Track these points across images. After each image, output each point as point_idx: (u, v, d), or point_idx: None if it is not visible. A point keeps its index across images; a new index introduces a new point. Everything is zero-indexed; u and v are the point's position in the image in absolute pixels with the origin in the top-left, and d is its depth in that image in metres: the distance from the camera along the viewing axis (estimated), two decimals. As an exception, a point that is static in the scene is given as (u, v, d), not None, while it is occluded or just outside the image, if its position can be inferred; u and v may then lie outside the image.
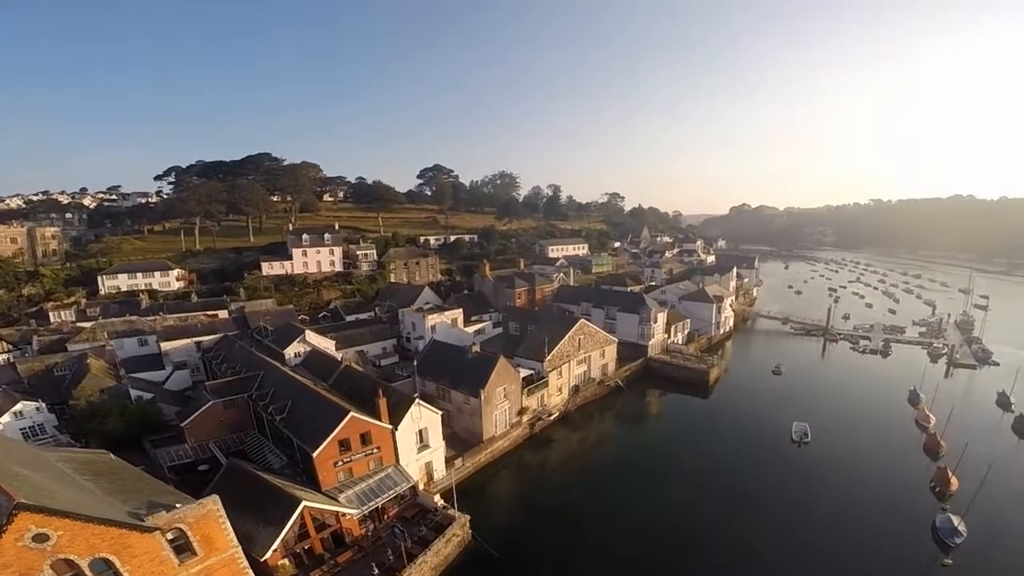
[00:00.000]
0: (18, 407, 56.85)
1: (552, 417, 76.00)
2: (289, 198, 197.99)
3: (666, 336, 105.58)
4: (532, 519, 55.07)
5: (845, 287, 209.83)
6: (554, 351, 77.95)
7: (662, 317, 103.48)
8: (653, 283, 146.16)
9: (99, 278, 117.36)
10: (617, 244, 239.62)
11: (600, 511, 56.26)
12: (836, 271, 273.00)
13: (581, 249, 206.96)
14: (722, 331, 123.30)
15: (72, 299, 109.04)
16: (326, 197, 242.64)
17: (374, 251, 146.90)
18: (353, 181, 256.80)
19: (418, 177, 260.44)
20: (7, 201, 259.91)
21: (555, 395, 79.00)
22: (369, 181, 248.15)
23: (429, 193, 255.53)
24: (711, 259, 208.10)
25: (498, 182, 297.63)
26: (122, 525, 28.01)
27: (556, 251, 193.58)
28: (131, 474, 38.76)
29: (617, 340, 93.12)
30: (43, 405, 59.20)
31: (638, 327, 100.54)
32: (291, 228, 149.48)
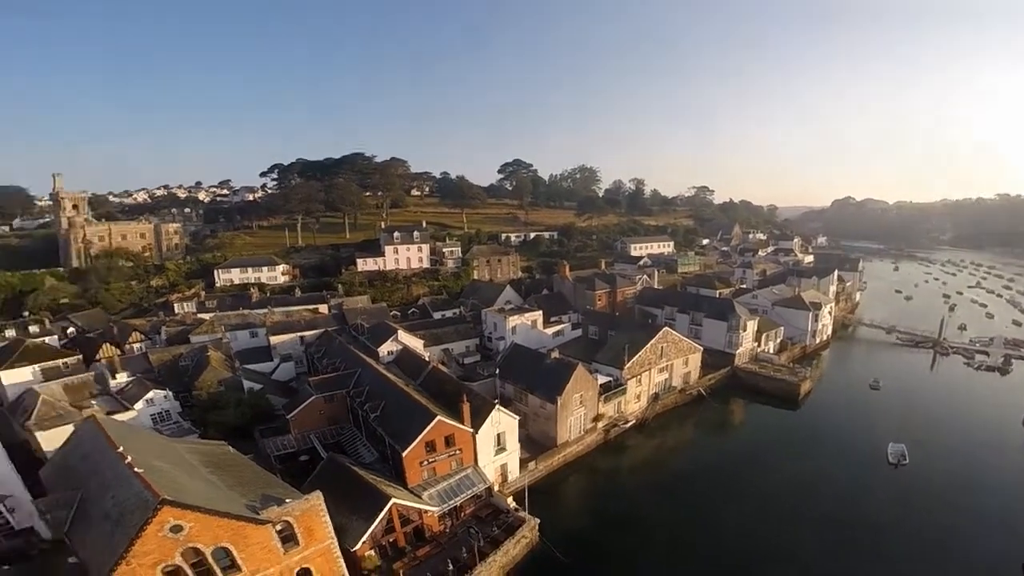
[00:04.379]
0: (150, 395, 64.25)
1: (628, 424, 75.73)
2: (380, 194, 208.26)
3: (756, 344, 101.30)
4: (600, 524, 55.93)
5: (962, 293, 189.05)
6: (635, 359, 77.27)
7: (752, 324, 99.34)
8: (744, 286, 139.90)
9: (215, 271, 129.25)
10: (705, 242, 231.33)
11: (670, 521, 56.10)
12: (953, 274, 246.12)
13: (666, 247, 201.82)
14: (818, 340, 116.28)
15: (193, 291, 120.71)
16: (413, 192, 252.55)
17: (459, 248, 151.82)
18: (438, 176, 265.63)
19: (499, 172, 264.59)
20: (135, 196, 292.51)
21: (633, 402, 78.59)
22: (453, 176, 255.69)
23: (509, 188, 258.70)
24: (809, 259, 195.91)
25: (578, 176, 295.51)
26: (242, 518, 31.96)
27: (639, 249, 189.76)
28: (245, 466, 43.55)
29: (703, 348, 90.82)
30: (170, 393, 66.36)
31: (726, 335, 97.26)
32: (383, 225, 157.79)
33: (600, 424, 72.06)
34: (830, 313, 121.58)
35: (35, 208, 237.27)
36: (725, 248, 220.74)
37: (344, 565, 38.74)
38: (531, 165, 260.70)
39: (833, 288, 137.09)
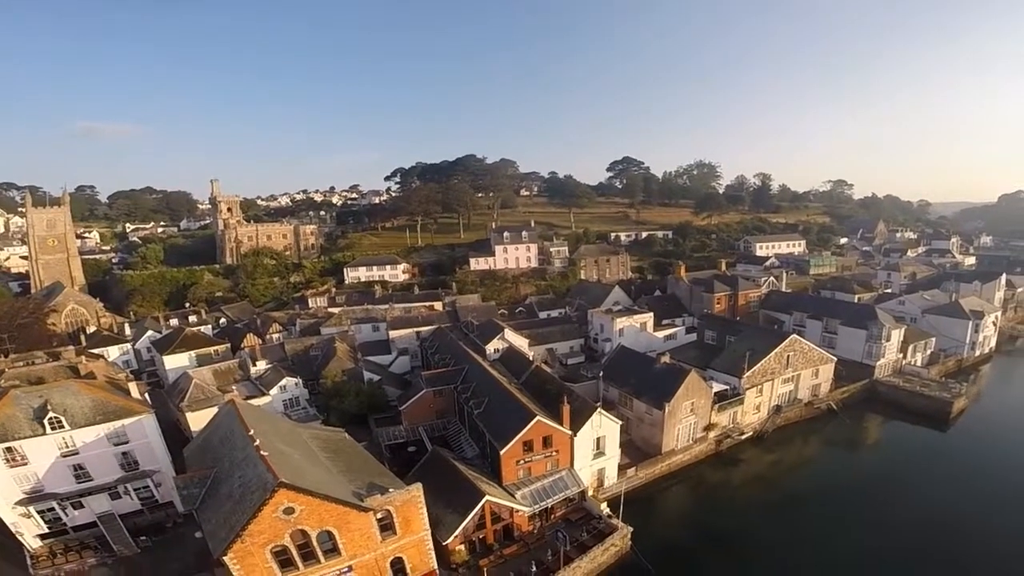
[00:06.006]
0: (283, 382, 70.47)
1: (743, 436, 70.36)
2: (491, 195, 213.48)
3: (900, 356, 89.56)
4: (698, 540, 53.04)
5: None
6: (756, 367, 71.55)
7: (897, 334, 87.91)
8: (889, 291, 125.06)
9: (345, 269, 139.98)
10: (843, 241, 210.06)
11: (777, 544, 51.51)
12: None
13: (797, 246, 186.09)
14: (978, 353, 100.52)
15: (325, 287, 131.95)
16: (522, 192, 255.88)
17: (566, 248, 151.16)
18: (546, 176, 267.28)
19: (608, 170, 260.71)
20: (279, 199, 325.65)
21: (751, 413, 72.80)
22: (561, 175, 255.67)
23: (619, 186, 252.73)
24: (970, 261, 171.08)
25: (695, 173, 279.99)
26: (347, 504, 33.85)
27: (765, 249, 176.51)
28: (358, 454, 46.25)
29: (836, 358, 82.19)
30: (300, 381, 72.35)
31: (865, 344, 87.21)
32: (494, 226, 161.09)
33: (712, 434, 67.69)
34: (994, 323, 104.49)
35: (198, 211, 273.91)
36: (867, 248, 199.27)
37: (434, 557, 39.74)
38: (642, 162, 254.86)
39: (999, 294, 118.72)
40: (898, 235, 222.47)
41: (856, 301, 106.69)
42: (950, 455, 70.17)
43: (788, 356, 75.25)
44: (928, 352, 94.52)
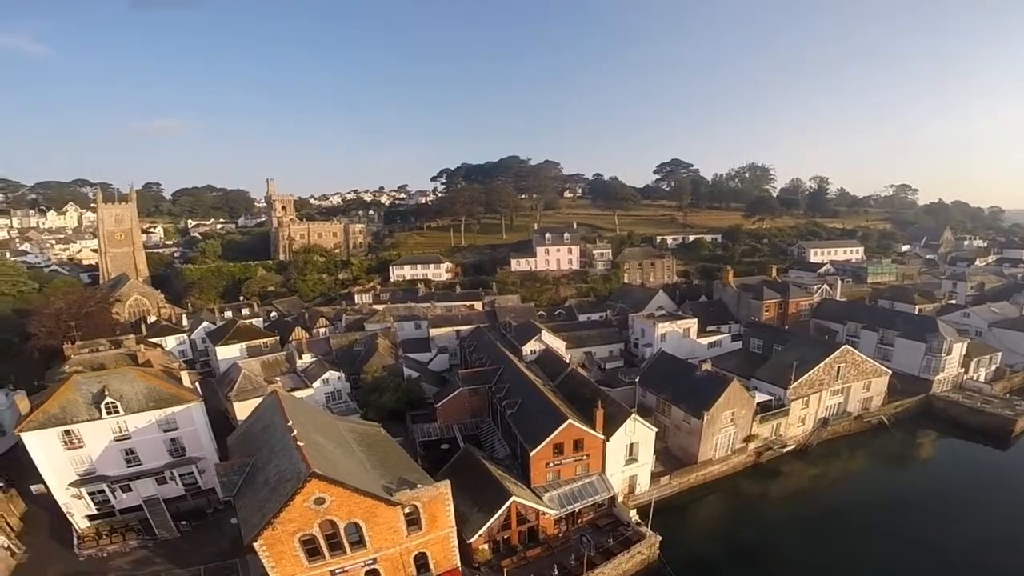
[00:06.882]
0: (327, 375, 72.68)
1: (786, 449, 67.64)
2: (535, 196, 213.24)
3: (962, 371, 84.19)
4: (730, 553, 51.23)
5: None
6: (803, 378, 68.74)
7: (959, 347, 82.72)
8: (953, 302, 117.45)
9: (390, 268, 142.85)
10: (905, 248, 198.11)
11: (815, 563, 49.33)
12: None
13: (854, 253, 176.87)
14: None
15: (371, 285, 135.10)
16: (566, 194, 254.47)
17: (609, 251, 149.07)
18: (590, 178, 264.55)
19: (655, 172, 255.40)
20: (331, 199, 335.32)
21: (795, 426, 69.93)
22: (606, 177, 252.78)
23: (667, 189, 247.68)
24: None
25: (746, 175, 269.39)
26: (377, 498, 34.51)
27: (820, 255, 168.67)
28: (392, 449, 47.07)
29: (890, 371, 78.01)
30: (342, 375, 74.44)
31: (923, 357, 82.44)
32: (536, 227, 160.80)
33: (752, 445, 65.46)
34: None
35: (254, 208, 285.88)
36: (931, 256, 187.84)
37: (458, 554, 39.98)
38: (691, 164, 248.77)
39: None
40: (966, 243, 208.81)
41: (916, 312, 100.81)
42: (1008, 475, 66.22)
43: (839, 367, 71.95)
44: (993, 367, 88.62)
